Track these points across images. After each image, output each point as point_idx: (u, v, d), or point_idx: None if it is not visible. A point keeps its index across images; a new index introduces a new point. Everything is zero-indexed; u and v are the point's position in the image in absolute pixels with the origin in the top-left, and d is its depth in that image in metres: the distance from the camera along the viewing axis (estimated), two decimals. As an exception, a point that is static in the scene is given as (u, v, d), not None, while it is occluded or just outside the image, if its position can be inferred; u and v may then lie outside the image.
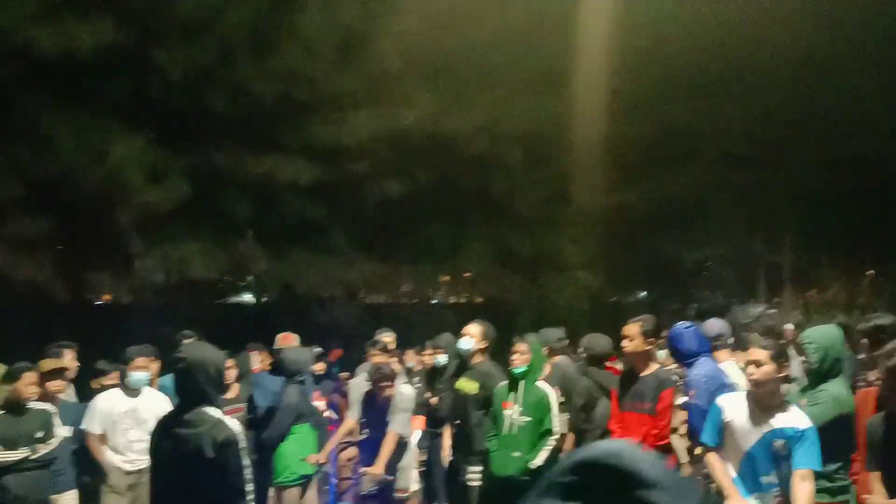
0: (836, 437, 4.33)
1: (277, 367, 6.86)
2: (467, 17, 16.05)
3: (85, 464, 6.23)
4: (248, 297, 20.44)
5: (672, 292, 24.58)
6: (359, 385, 7.37)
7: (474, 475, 6.17)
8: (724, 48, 16.39)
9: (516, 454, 5.79)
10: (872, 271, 24.03)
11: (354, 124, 15.16)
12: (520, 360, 5.91)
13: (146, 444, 5.85)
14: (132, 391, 6.23)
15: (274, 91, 14.07)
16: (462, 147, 17.46)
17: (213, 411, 3.83)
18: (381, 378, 6.46)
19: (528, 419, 5.82)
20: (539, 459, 5.74)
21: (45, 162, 12.60)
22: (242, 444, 3.80)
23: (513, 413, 5.90)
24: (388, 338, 7.99)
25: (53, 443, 5.87)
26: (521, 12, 16.46)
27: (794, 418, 4.19)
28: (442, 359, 7.33)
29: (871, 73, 16.87)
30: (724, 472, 4.31)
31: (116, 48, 12.42)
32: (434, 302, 25.24)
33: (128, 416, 6.17)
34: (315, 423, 6.70)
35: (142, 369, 6.20)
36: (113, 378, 6.59)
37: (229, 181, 14.10)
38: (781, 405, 4.26)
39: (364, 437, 6.65)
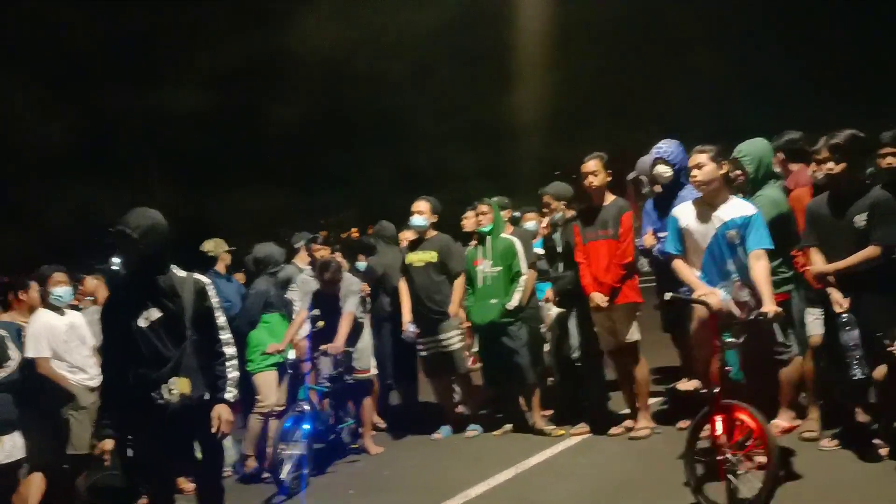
0: (775, 235, 4.81)
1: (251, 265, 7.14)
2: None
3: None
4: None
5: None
6: (306, 280, 7.57)
7: (452, 339, 6.65)
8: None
9: (493, 301, 6.42)
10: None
11: (240, 48, 14.70)
12: (486, 219, 6.57)
13: (94, 360, 5.95)
14: (59, 309, 5.99)
15: (157, 21, 13.41)
16: (346, 66, 17.26)
17: (177, 269, 4.00)
18: (330, 268, 6.69)
19: (499, 268, 6.46)
20: (514, 300, 6.38)
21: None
22: (212, 290, 4.04)
23: (484, 267, 6.52)
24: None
25: (11, 365, 5.72)
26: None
27: (740, 208, 4.68)
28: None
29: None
30: (690, 272, 4.76)
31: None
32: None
33: (70, 333, 5.98)
34: (286, 314, 6.81)
35: (62, 284, 5.99)
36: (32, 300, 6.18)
37: (123, 119, 13.47)
38: (727, 200, 4.72)
39: (320, 327, 6.82)
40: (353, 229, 9.31)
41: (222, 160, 15.43)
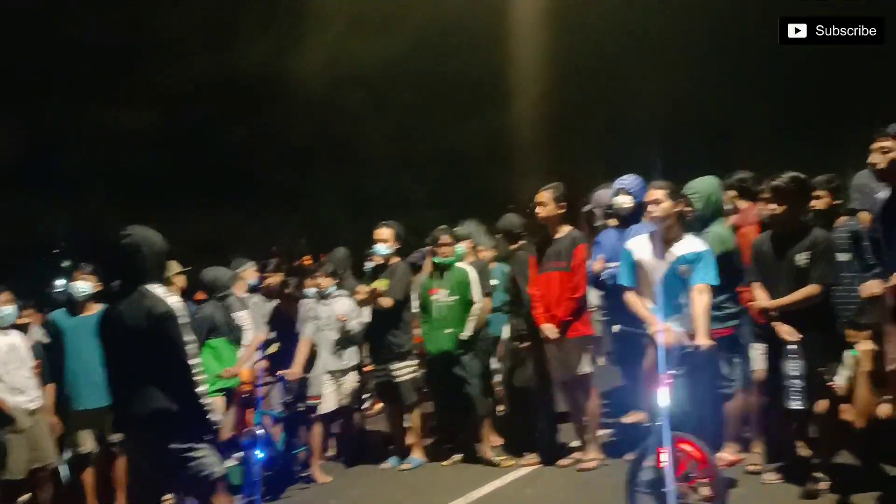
0: (722, 271, 4.95)
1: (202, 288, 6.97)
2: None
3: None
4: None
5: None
6: (258, 304, 7.53)
7: (401, 370, 6.58)
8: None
9: (448, 331, 6.43)
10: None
11: (192, 68, 14.59)
12: (447, 251, 6.56)
13: (34, 381, 5.82)
14: (4, 329, 5.88)
15: (105, 38, 13.21)
16: (302, 90, 17.24)
17: (153, 288, 3.88)
18: (290, 284, 6.87)
19: (455, 298, 6.48)
20: (468, 330, 6.44)
21: None
22: (183, 319, 3.85)
23: (439, 297, 6.52)
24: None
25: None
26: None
27: (692, 244, 4.84)
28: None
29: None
30: (642, 305, 4.87)
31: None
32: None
33: (11, 354, 5.85)
34: (233, 339, 6.72)
35: (7, 303, 5.91)
36: None
37: (67, 136, 13.20)
38: (680, 236, 4.86)
39: (275, 349, 6.76)
40: (306, 256, 9.23)
41: (170, 181, 15.18)
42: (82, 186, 14.01)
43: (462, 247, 6.96)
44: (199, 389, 3.81)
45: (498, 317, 6.76)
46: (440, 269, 6.61)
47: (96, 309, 6.14)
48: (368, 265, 7.20)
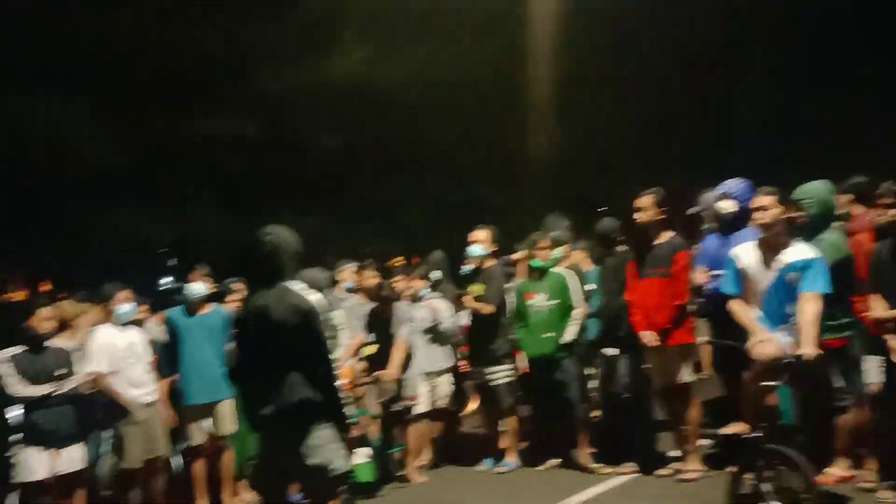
0: (835, 279, 4.76)
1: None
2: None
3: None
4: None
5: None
6: (355, 306, 7.68)
7: (498, 373, 6.62)
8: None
9: (547, 335, 6.46)
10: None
11: (291, 77, 15.02)
12: (544, 254, 6.60)
13: (150, 376, 6.11)
14: (123, 326, 6.14)
15: (207, 47, 13.77)
16: (394, 98, 17.48)
17: (293, 285, 4.02)
18: (385, 295, 6.95)
19: (554, 302, 6.50)
20: (569, 335, 6.44)
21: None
22: (324, 315, 3.98)
23: (536, 301, 6.55)
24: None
25: (74, 379, 5.86)
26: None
27: (802, 251, 4.65)
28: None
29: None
30: (747, 314, 4.74)
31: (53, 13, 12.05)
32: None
33: (129, 350, 6.11)
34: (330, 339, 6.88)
35: (127, 301, 6.18)
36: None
37: (172, 143, 13.85)
38: (788, 243, 4.70)
39: (373, 351, 6.91)
40: (398, 258, 9.36)
41: (271, 186, 15.67)
42: (186, 191, 14.64)
43: (559, 251, 6.93)
44: (337, 384, 3.95)
45: (594, 322, 6.71)
46: (537, 273, 6.63)
47: (210, 308, 6.45)
48: (465, 268, 7.25)
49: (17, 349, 5.75)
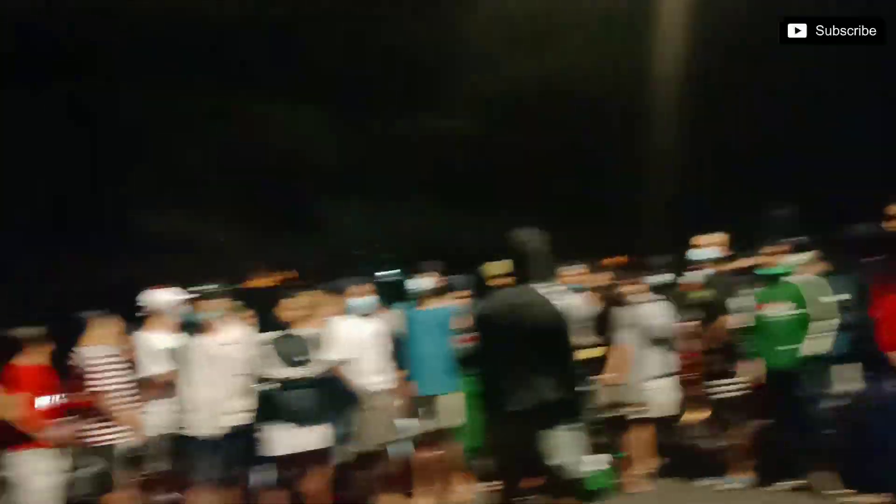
0: None
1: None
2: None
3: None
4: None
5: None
6: (578, 307, 7.61)
7: (729, 386, 6.39)
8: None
9: (785, 347, 6.12)
10: None
11: (505, 76, 15.18)
12: (773, 262, 6.29)
13: (387, 366, 6.41)
14: (362, 317, 6.49)
15: (419, 46, 14.25)
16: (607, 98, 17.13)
17: (546, 286, 4.11)
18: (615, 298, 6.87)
19: (794, 312, 6.15)
20: (809, 348, 6.05)
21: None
22: (572, 317, 4.06)
23: (772, 311, 6.23)
24: None
25: (314, 365, 6.29)
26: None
27: None
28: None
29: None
30: None
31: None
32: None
33: (370, 340, 6.46)
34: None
35: (370, 294, 6.53)
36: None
37: (398, 143, 14.60)
38: None
39: (598, 354, 6.83)
40: (617, 258, 9.09)
41: (486, 185, 15.95)
42: (403, 190, 15.28)
43: (799, 258, 6.46)
44: (580, 386, 4.02)
45: (843, 335, 6.18)
46: (770, 282, 6.28)
47: (436, 304, 6.69)
48: (692, 274, 6.97)
49: (276, 333, 6.26)
